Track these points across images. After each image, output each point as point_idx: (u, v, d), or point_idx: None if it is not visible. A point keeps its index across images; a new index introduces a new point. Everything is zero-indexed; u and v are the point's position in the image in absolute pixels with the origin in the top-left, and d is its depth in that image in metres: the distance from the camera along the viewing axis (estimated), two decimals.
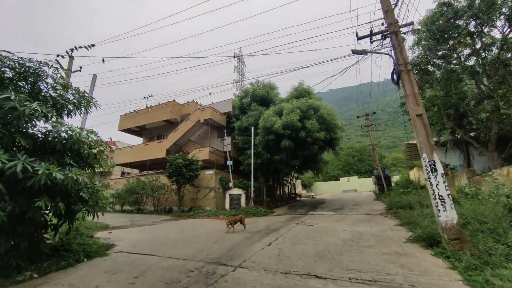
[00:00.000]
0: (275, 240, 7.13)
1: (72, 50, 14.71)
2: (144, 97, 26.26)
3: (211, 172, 18.69)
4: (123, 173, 35.01)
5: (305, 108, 16.95)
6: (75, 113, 6.78)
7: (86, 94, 6.66)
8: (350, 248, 5.87)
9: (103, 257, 5.93)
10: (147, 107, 25.24)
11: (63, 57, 14.47)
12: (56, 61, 14.25)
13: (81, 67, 15.38)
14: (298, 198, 28.43)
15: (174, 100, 23.91)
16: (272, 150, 16.97)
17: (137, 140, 28.00)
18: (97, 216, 6.08)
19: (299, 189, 38.58)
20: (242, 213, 14.24)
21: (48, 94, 5.76)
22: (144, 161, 23.34)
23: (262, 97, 20.47)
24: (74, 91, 6.34)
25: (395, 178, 28.81)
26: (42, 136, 5.34)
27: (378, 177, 23.61)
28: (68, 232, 6.02)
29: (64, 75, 5.94)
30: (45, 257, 5.46)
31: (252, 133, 17.51)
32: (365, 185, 40.03)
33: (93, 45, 14.38)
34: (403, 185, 22.07)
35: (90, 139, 6.21)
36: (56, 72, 5.79)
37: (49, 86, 5.81)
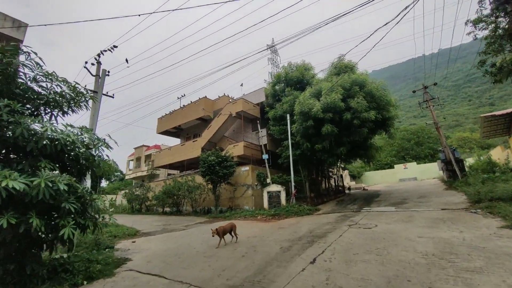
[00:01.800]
0: (321, 254, 5.27)
1: (99, 55, 14.79)
2: (178, 98, 26.30)
3: (247, 168, 17.37)
4: (169, 175, 36.41)
5: (348, 85, 14.34)
6: (73, 111, 5.92)
7: (79, 87, 5.68)
8: (442, 273, 3.72)
9: (107, 279, 4.87)
10: (180, 107, 25.14)
11: (93, 64, 14.55)
12: (84, 67, 14.15)
13: (108, 72, 15.44)
14: (347, 191, 25.50)
15: (205, 96, 23.23)
16: (312, 138, 14.81)
17: (177, 142, 28.34)
18: (100, 229, 5.07)
19: (347, 181, 35.18)
20: (283, 212, 12.56)
21: (26, 87, 4.84)
22: (182, 162, 23.29)
23: (297, 80, 18.32)
24: (64, 83, 5.39)
25: (469, 161, 23.76)
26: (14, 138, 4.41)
27: (446, 162, 19.46)
28: (70, 248, 5.11)
29: (41, 62, 4.88)
30: (40, 280, 4.59)
31: (288, 121, 15.58)
32: (427, 172, 34.52)
33: (115, 47, 14.08)
34: (483, 169, 17.71)
35: (83, 138, 5.22)
36: (29, 58, 4.78)
37: (28, 78, 4.91)
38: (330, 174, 23.11)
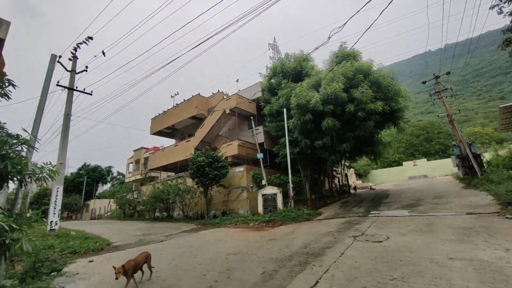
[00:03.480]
0: (314, 286, 3.76)
1: (75, 49, 13.51)
2: (171, 96, 24.96)
3: (241, 169, 15.90)
4: (169, 177, 35.18)
5: (350, 73, 12.78)
6: None
7: None
8: None
9: None
10: (174, 106, 23.83)
11: (71, 58, 13.31)
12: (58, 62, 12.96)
13: (87, 67, 14.15)
14: (352, 191, 23.79)
15: (199, 93, 21.86)
16: (312, 134, 13.28)
17: (172, 143, 27.05)
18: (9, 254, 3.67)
19: (352, 180, 33.41)
20: (279, 217, 11.03)
21: None
22: (176, 163, 21.95)
23: (294, 72, 16.79)
24: None
25: (485, 156, 21.85)
26: None
27: (462, 157, 17.67)
28: None
29: None
30: None
31: (285, 116, 14.06)
32: (438, 169, 32.50)
33: (90, 38, 12.78)
34: (505, 164, 15.87)
35: None
36: None
37: None
38: (334, 173, 21.47)
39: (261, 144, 17.47)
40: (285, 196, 13.69)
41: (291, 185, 13.25)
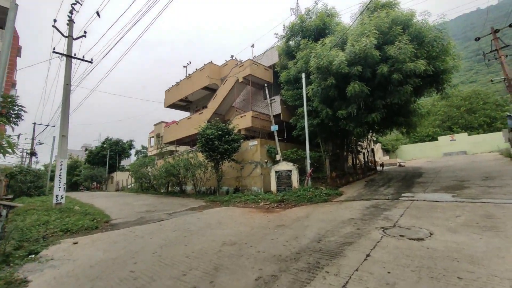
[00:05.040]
0: None
1: (71, 12, 12.35)
2: (184, 66, 23.59)
3: (255, 142, 14.61)
4: (191, 151, 35.27)
5: (385, 25, 10.40)
6: None
7: None
8: None
9: None
10: (186, 76, 22.53)
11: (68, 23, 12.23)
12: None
13: (85, 32, 13.03)
14: (379, 168, 21.76)
15: (211, 61, 20.20)
16: (334, 102, 11.44)
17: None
18: None
19: (378, 156, 30.96)
20: (293, 197, 9.81)
21: None
22: (190, 137, 21.22)
23: (316, 30, 14.42)
24: None
25: None
26: None
27: None
28: None
29: None
30: None
31: (304, 82, 12.19)
32: (482, 144, 28.75)
33: None
34: None
35: None
36: None
37: None
38: (359, 148, 19.50)
39: (277, 116, 15.87)
40: (303, 173, 12.35)
41: (308, 161, 11.79)
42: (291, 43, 15.38)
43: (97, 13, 11.48)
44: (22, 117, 15.01)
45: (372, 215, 6.39)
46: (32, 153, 29.20)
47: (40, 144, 28.26)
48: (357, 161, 17.94)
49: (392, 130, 15.54)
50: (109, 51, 13.26)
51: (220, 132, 13.22)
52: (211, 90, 20.58)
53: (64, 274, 4.26)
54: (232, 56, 20.16)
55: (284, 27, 15.23)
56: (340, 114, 11.04)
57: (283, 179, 11.40)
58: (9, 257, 4.99)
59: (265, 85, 15.01)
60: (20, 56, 25.56)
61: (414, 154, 34.49)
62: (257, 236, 5.51)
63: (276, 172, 11.61)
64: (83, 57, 12.10)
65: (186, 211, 9.73)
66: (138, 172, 20.15)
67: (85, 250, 5.47)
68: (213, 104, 18.42)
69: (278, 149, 13.37)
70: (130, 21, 11.60)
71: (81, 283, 3.86)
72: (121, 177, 32.32)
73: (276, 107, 15.98)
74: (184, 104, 25.13)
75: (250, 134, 16.30)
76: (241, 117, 16.37)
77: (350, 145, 17.45)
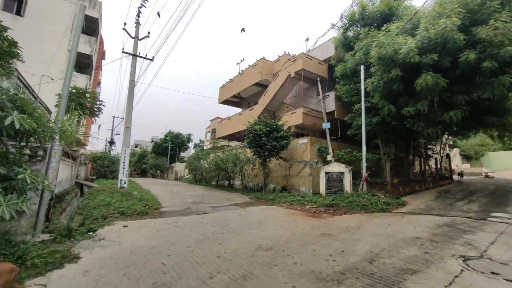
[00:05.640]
0: None
1: (138, 15, 13.63)
2: (237, 63, 24.03)
3: (305, 140, 13.79)
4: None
5: (475, 2, 8.38)
6: None
7: None
8: None
9: None
10: (239, 73, 22.89)
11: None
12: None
13: (149, 33, 14.22)
14: (457, 178, 18.27)
15: (264, 57, 19.99)
16: (399, 97, 9.86)
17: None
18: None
19: (456, 163, 26.18)
20: (344, 203, 8.81)
21: None
22: (241, 132, 21.55)
23: (380, 17, 12.76)
24: None
25: None
26: None
27: None
28: None
29: None
30: None
31: (362, 75, 10.85)
32: None
33: None
34: None
35: None
36: None
37: None
38: (429, 152, 16.70)
39: (330, 113, 14.70)
40: (357, 176, 11.07)
41: (364, 164, 10.47)
42: (350, 33, 13.94)
43: (158, 14, 12.35)
44: (102, 111, 17.37)
45: (447, 237, 5.10)
46: (111, 142, 34.19)
47: (117, 134, 32.91)
48: (427, 168, 15.35)
49: (478, 132, 12.70)
50: (170, 51, 14.19)
51: (268, 128, 12.86)
52: (262, 86, 20.42)
53: (108, 255, 4.48)
54: (285, 52, 19.56)
55: (342, 17, 13.86)
56: (406, 112, 9.40)
57: (334, 181, 10.38)
58: (72, 232, 5.58)
59: (318, 79, 13.99)
60: (104, 59, 29.94)
61: (506, 164, 28.09)
62: (297, 244, 4.93)
63: (327, 173, 10.65)
64: (146, 55, 13.26)
65: (229, 206, 9.70)
66: (192, 164, 21.44)
67: (132, 234, 5.77)
68: (264, 100, 18.20)
69: (330, 148, 12.29)
70: (185, 24, 12.11)
71: (118, 267, 3.95)
72: (180, 168, 35.21)
73: (329, 104, 14.81)
74: (236, 101, 25.71)
75: (301, 131, 15.52)
76: (291, 113, 15.71)
77: (417, 148, 15.03)
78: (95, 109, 16.17)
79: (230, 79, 24.02)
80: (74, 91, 14.42)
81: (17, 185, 3.87)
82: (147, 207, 8.58)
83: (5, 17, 16.42)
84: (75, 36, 6.09)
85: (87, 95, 15.34)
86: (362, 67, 10.90)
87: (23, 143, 4.28)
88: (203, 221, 7.07)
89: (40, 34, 16.71)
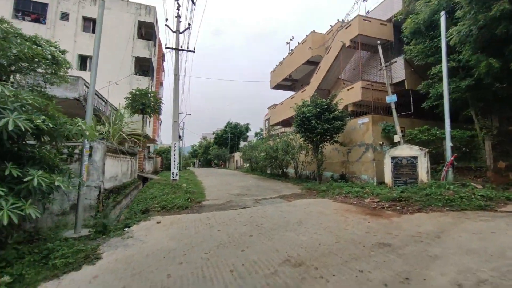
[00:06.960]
0: None
1: (178, 9, 13.61)
2: (286, 43, 22.24)
3: (365, 120, 11.56)
4: None
5: None
6: None
7: None
8: None
9: None
10: (289, 53, 21.17)
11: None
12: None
13: (189, 25, 14.08)
14: None
15: (314, 30, 17.76)
16: (504, 47, 6.86)
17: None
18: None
19: None
20: (418, 196, 6.80)
21: None
22: (292, 118, 20.10)
23: None
24: None
25: None
26: None
27: None
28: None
29: None
30: None
31: (443, 25, 8.05)
32: None
33: None
34: None
35: None
36: None
37: None
38: None
39: (399, 84, 11.93)
40: (438, 160, 8.53)
41: (449, 144, 7.88)
42: None
43: (192, 1, 11.95)
44: (162, 108, 18.59)
45: None
46: (178, 136, 37.54)
47: (182, 129, 35.86)
48: None
49: None
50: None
51: (319, 110, 11.20)
52: (315, 64, 18.30)
53: (124, 258, 4.19)
54: (338, 19, 16.87)
55: None
56: None
57: (404, 168, 8.19)
58: (107, 228, 5.65)
59: (378, 42, 11.32)
60: (164, 60, 32.39)
61: None
62: (339, 259, 3.65)
63: (393, 158, 8.50)
64: (187, 47, 13.21)
65: (274, 199, 8.79)
66: (246, 153, 21.31)
67: (159, 232, 5.50)
68: (316, 78, 16.25)
69: (398, 127, 9.87)
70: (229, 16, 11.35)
71: (124, 275, 3.54)
72: (239, 157, 36.25)
73: (397, 71, 11.98)
74: (289, 84, 24.16)
75: (361, 109, 13.16)
76: (348, 90, 13.45)
77: None
78: (156, 108, 17.39)
79: (281, 61, 22.58)
80: (137, 93, 15.76)
81: (28, 187, 3.85)
82: (189, 200, 8.46)
83: (84, 37, 19.09)
84: (96, 35, 5.99)
85: (150, 95, 16.56)
86: (442, 14, 8.05)
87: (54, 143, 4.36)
88: (238, 218, 6.36)
89: (108, 46, 18.83)
